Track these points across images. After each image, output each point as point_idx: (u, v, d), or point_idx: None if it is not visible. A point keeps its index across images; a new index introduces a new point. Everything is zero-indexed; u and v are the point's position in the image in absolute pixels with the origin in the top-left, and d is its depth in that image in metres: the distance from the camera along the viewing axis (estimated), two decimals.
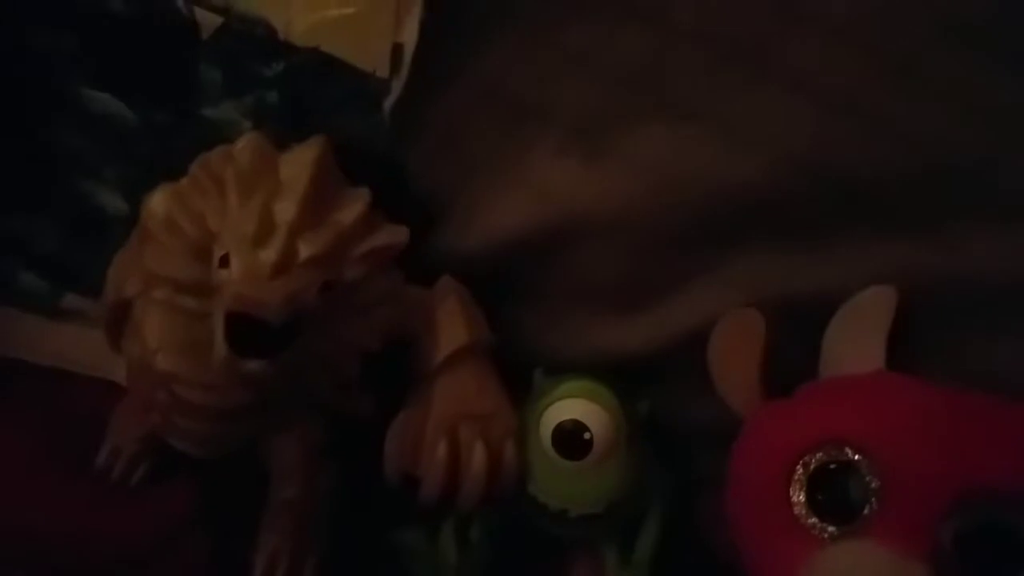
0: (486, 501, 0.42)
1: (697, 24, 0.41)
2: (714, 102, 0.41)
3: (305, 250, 0.36)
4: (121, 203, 0.46)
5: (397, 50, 0.43)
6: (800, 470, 0.34)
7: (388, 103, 0.44)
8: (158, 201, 0.39)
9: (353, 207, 0.39)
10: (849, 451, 0.34)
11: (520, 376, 0.45)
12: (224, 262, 0.36)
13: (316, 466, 0.41)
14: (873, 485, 0.33)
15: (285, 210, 0.37)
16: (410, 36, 0.43)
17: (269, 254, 0.36)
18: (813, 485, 0.34)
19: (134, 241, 0.40)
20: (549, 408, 0.43)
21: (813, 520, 0.34)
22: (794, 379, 0.39)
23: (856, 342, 0.38)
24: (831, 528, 0.34)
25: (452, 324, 0.42)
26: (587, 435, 0.42)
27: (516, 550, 0.45)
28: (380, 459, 0.42)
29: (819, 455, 0.34)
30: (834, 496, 0.34)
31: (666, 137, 0.42)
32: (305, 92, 0.44)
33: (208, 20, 0.44)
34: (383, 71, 0.43)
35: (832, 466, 0.34)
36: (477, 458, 0.41)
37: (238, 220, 0.36)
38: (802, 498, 0.34)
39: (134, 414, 0.42)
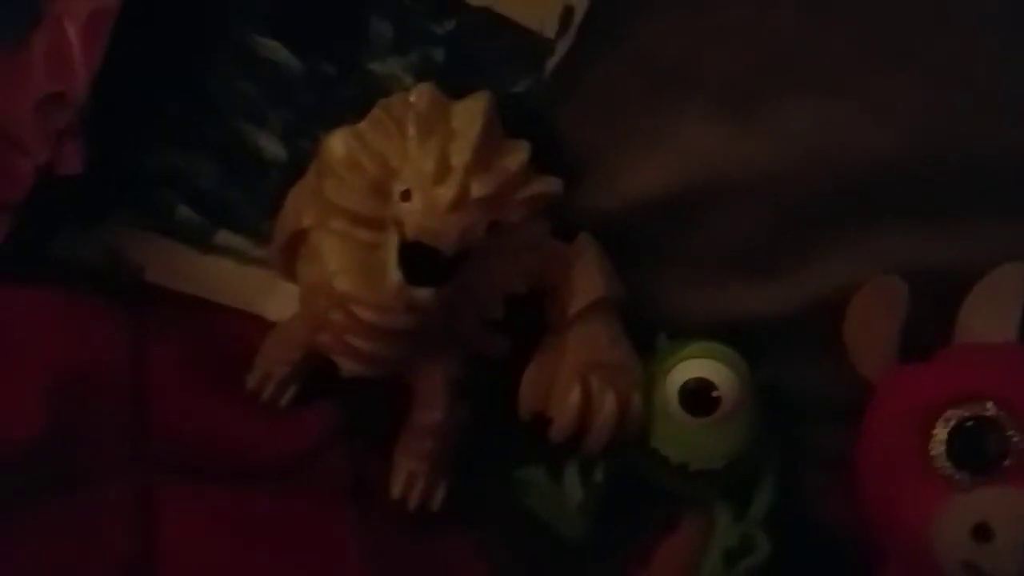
0: (610, 447, 0.44)
1: (852, 7, 0.42)
2: (861, 80, 0.42)
3: (477, 190, 0.39)
4: (279, 148, 0.48)
5: (567, 12, 0.44)
6: (939, 424, 0.36)
7: (551, 63, 0.45)
8: (338, 141, 0.41)
9: (517, 155, 0.41)
10: (991, 406, 0.35)
11: (642, 338, 0.46)
12: (405, 197, 0.39)
13: (457, 396, 0.43)
14: (1015, 439, 0.35)
15: (460, 153, 0.39)
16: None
17: (447, 191, 0.38)
18: (951, 440, 0.36)
19: (311, 176, 0.43)
20: (678, 366, 0.45)
21: (951, 470, 0.36)
22: (915, 351, 0.41)
23: (990, 315, 0.39)
24: (969, 477, 0.35)
25: (590, 277, 0.44)
26: (715, 393, 0.44)
27: (630, 500, 0.47)
28: (507, 400, 0.44)
29: (959, 411, 0.36)
30: (971, 450, 0.35)
31: (813, 110, 0.43)
32: (471, 50, 0.46)
33: None
34: (550, 31, 0.45)
35: (969, 423, 0.36)
36: (608, 405, 0.43)
37: (419, 159, 0.39)
38: (941, 450, 0.36)
39: (285, 341, 0.45)
